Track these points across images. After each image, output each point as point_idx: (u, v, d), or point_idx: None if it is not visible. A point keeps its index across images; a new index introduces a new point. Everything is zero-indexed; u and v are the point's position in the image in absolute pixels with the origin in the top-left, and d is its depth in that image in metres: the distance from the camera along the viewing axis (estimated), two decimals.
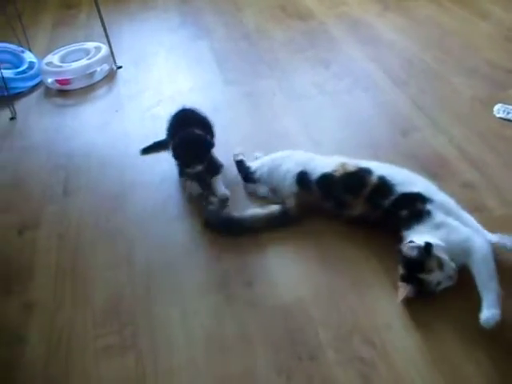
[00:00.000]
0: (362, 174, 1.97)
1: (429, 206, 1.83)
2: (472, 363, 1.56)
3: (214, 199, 2.17)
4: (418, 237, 1.76)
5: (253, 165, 2.28)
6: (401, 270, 1.74)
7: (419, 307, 1.72)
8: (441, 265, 1.67)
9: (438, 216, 1.81)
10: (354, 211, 1.97)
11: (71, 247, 2.14)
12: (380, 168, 1.98)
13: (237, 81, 3.07)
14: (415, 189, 1.89)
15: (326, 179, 2.03)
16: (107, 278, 1.98)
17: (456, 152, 2.34)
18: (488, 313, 1.59)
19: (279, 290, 1.85)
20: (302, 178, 2.08)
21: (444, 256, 1.68)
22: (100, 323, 1.82)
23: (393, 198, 1.89)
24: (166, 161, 2.47)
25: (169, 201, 2.27)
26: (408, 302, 1.73)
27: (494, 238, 1.81)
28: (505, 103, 2.57)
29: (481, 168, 2.23)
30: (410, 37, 3.34)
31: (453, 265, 1.68)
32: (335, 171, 2.02)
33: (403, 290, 1.71)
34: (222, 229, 2.08)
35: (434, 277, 1.68)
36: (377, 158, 2.17)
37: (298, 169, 2.10)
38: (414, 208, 1.84)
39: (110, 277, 1.98)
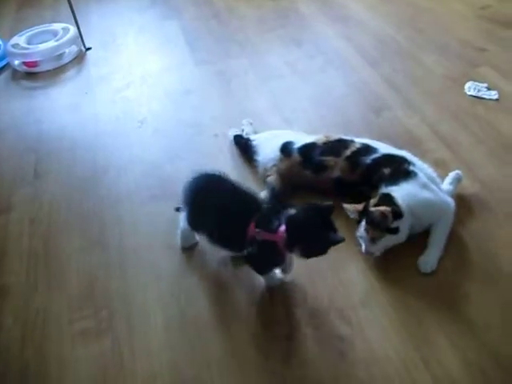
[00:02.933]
0: (345, 141, 2.04)
1: (413, 168, 1.89)
2: (446, 338, 1.58)
3: None
4: (400, 192, 1.80)
5: (251, 137, 2.29)
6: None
7: (394, 284, 1.75)
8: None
9: (423, 178, 1.86)
10: (332, 173, 1.98)
11: (43, 231, 2.11)
12: (363, 140, 2.05)
13: (208, 61, 3.04)
14: (399, 153, 1.96)
15: (308, 146, 2.07)
16: (81, 261, 1.96)
17: (428, 130, 2.35)
18: (430, 260, 1.77)
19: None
20: (286, 146, 2.11)
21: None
22: (75, 307, 1.80)
23: (376, 156, 1.94)
24: (138, 143, 2.45)
25: (142, 182, 2.25)
26: (383, 279, 1.75)
27: None
28: (475, 81, 2.59)
29: (453, 146, 2.25)
30: (382, 15, 3.34)
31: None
32: (318, 140, 2.07)
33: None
34: None
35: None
36: (349, 135, 2.17)
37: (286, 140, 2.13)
38: (399, 167, 1.89)
39: (83, 260, 1.96)
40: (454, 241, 1.86)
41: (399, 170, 1.89)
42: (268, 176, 2.11)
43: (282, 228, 1.59)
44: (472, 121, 2.38)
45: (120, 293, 1.82)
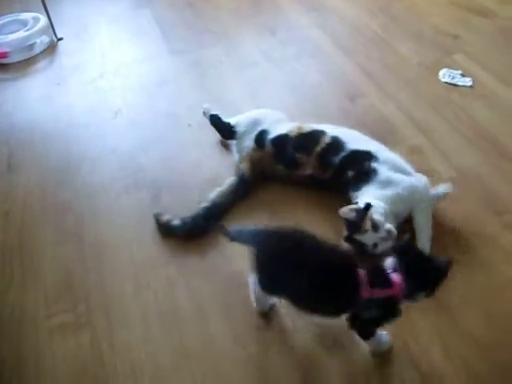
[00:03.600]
0: (316, 134, 2.01)
1: (375, 164, 1.87)
2: (429, 325, 1.59)
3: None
4: (365, 197, 1.79)
5: (231, 121, 2.24)
6: (344, 232, 1.76)
7: None
8: (375, 226, 1.69)
9: (384, 173, 1.85)
10: (305, 171, 1.98)
11: (18, 224, 2.08)
12: (334, 129, 2.02)
13: (182, 50, 3.01)
14: (365, 147, 1.94)
15: (281, 138, 2.05)
16: (57, 254, 1.94)
17: (403, 117, 2.36)
18: (422, 244, 1.77)
19: (232, 259, 1.84)
20: (261, 135, 2.09)
21: (379, 217, 1.70)
22: (52, 301, 1.78)
23: (343, 154, 1.92)
24: (112, 134, 2.43)
25: (117, 173, 2.23)
26: None
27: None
28: (450, 68, 2.60)
29: (428, 133, 2.26)
30: (356, 4, 3.33)
31: (388, 226, 1.69)
32: (291, 132, 2.04)
33: None
34: (202, 229, 1.95)
35: (369, 238, 1.70)
36: (324, 123, 2.17)
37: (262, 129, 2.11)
38: (361, 168, 1.88)
39: (59, 253, 1.94)
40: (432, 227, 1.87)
41: (361, 171, 1.87)
42: (241, 163, 2.10)
43: (396, 278, 1.39)
44: (447, 108, 2.40)
45: (97, 286, 1.81)
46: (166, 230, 1.94)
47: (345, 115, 2.40)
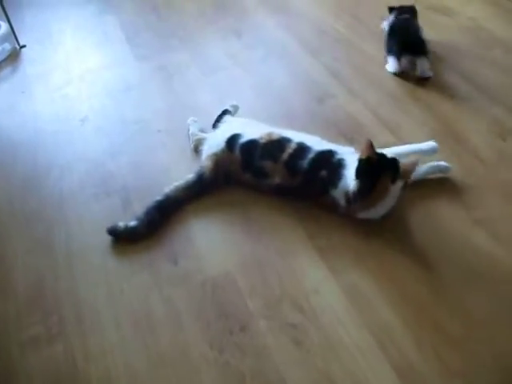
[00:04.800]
0: (282, 141, 2.00)
1: (338, 157, 1.92)
2: (399, 319, 1.61)
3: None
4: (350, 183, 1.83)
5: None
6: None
7: (344, 269, 1.77)
8: None
9: (349, 158, 1.89)
10: (273, 180, 1.98)
11: None
12: (298, 136, 2.02)
13: (148, 56, 2.99)
14: (327, 147, 1.97)
15: (250, 144, 2.03)
16: (27, 264, 1.90)
17: (371, 116, 2.39)
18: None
19: (206, 263, 1.84)
20: (233, 139, 2.07)
21: None
22: (23, 313, 1.74)
23: (311, 156, 1.93)
24: (80, 141, 2.40)
25: (85, 180, 2.20)
26: (333, 266, 1.78)
27: None
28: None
29: (395, 130, 2.29)
30: (321, 5, 3.36)
31: None
32: (261, 138, 2.03)
33: None
34: (153, 221, 1.97)
35: None
36: (294, 125, 2.18)
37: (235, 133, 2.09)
38: (332, 164, 1.91)
39: (29, 262, 1.91)
40: (403, 223, 1.91)
41: (333, 166, 1.90)
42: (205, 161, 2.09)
43: None
44: (413, 105, 2.44)
45: (69, 295, 1.78)
46: (128, 235, 1.93)
47: (313, 116, 2.41)
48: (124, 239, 1.94)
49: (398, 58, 2.61)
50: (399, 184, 1.81)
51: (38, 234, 2.01)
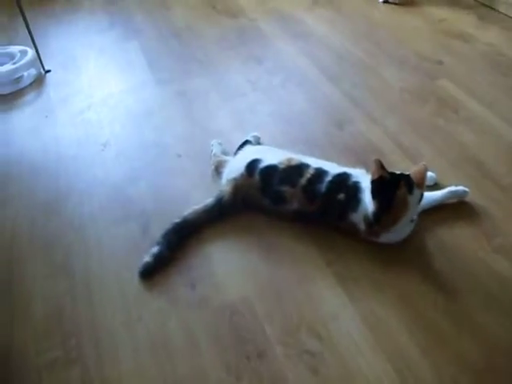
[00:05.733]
0: (301, 167, 2.01)
1: (353, 179, 1.93)
2: (417, 347, 1.60)
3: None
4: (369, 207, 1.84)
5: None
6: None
7: (362, 296, 1.76)
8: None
9: (364, 181, 1.90)
10: (291, 205, 1.98)
11: (6, 258, 2.06)
12: (317, 162, 2.04)
13: (169, 80, 3.02)
14: (343, 170, 1.98)
15: (269, 169, 2.04)
16: (46, 288, 1.92)
17: (390, 143, 2.38)
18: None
19: (223, 289, 1.84)
20: (252, 164, 2.08)
21: None
22: (41, 337, 1.76)
23: (328, 179, 1.94)
24: (100, 165, 2.43)
25: (106, 205, 2.22)
26: (351, 293, 1.77)
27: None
28: None
29: (415, 158, 2.28)
30: (340, 31, 3.38)
31: None
32: (280, 163, 2.04)
33: None
34: (172, 244, 1.99)
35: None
36: (313, 151, 2.20)
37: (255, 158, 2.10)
38: (348, 186, 1.92)
39: (48, 287, 1.92)
40: (421, 250, 1.90)
41: (349, 189, 1.92)
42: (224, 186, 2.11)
43: None
44: (433, 132, 2.43)
45: (87, 319, 1.79)
46: (158, 264, 1.93)
47: (332, 142, 2.42)
48: (151, 271, 1.93)
49: None
50: (417, 194, 1.82)
51: (57, 259, 2.03)
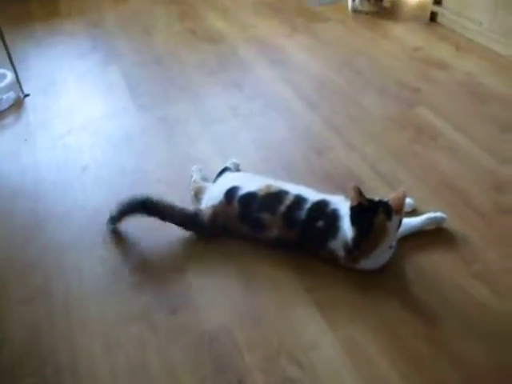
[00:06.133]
0: (281, 194, 2.02)
1: (332, 207, 1.95)
2: (397, 374, 1.60)
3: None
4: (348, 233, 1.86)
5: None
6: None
7: (342, 323, 1.77)
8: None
9: (343, 208, 1.92)
10: (270, 232, 1.99)
11: None
12: (296, 188, 2.05)
13: (150, 106, 3.03)
14: (321, 197, 2.00)
15: (249, 196, 2.05)
16: (23, 313, 1.89)
17: (369, 170, 2.41)
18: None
19: (203, 316, 1.83)
20: (231, 191, 2.08)
21: None
22: (18, 364, 1.73)
23: (307, 207, 1.95)
24: (80, 190, 2.42)
25: (85, 229, 2.21)
26: (331, 320, 1.77)
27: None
28: None
29: (393, 184, 2.30)
30: (320, 58, 3.43)
31: None
32: (260, 190, 2.05)
33: None
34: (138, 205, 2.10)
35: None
36: (292, 178, 2.21)
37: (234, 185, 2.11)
38: (327, 214, 1.94)
39: (26, 312, 1.90)
40: (400, 276, 1.91)
41: (328, 217, 1.93)
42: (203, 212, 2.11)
43: None
44: (411, 159, 2.46)
45: (65, 344, 1.77)
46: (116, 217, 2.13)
47: (312, 169, 2.44)
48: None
49: None
50: (396, 220, 1.84)
51: (35, 283, 2.00)
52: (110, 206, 2.20)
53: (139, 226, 2.17)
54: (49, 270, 2.05)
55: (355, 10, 4.04)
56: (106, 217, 2.21)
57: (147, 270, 2.02)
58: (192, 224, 2.10)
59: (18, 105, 3.16)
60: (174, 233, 2.12)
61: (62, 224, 2.26)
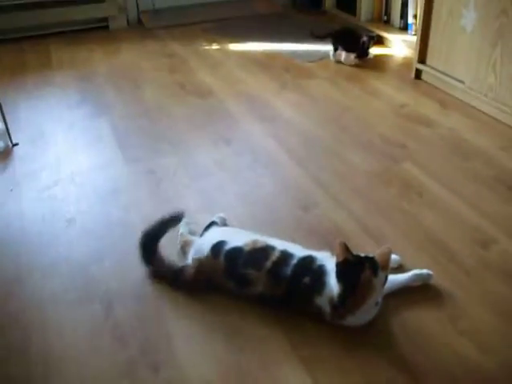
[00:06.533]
0: (267, 250, 2.02)
1: (320, 262, 1.94)
2: None
3: None
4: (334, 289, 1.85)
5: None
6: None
7: (328, 382, 1.74)
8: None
9: (329, 265, 1.91)
10: (256, 288, 1.98)
11: None
12: (282, 244, 2.05)
13: (138, 159, 3.04)
14: (307, 253, 2.00)
15: (235, 251, 2.04)
16: (0, 372, 1.84)
17: (355, 225, 2.41)
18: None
19: (186, 373, 1.79)
20: (217, 246, 2.07)
21: None
22: None
23: (294, 263, 1.95)
24: (65, 242, 2.40)
25: (68, 284, 2.18)
26: (317, 378, 1.74)
27: None
28: None
29: (379, 240, 2.30)
30: (308, 114, 3.48)
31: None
32: (246, 245, 2.04)
33: None
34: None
35: None
36: (279, 233, 2.21)
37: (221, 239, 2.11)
38: (314, 270, 1.93)
39: (3, 371, 1.84)
40: (387, 333, 1.90)
41: (315, 273, 1.92)
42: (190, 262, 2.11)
43: None
44: (397, 215, 2.47)
45: None
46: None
47: (298, 224, 2.44)
48: None
49: None
50: (382, 276, 1.84)
51: (14, 341, 1.95)
52: (95, 260, 2.19)
53: (123, 282, 2.16)
54: (28, 327, 2.00)
55: (337, 61, 4.26)
56: (90, 271, 2.20)
57: (130, 323, 1.99)
58: (176, 280, 2.09)
59: (5, 154, 3.16)
60: (158, 286, 2.11)
61: (45, 278, 2.22)
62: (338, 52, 4.21)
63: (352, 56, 4.16)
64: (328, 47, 4.29)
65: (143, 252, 2.16)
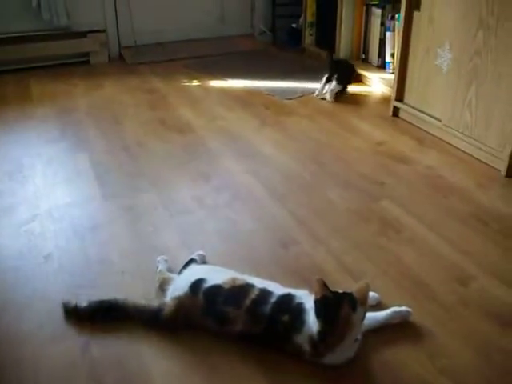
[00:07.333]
0: (246, 288, 2.02)
1: (299, 300, 1.95)
2: None
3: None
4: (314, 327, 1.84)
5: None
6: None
7: None
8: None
9: (307, 302, 1.92)
10: (235, 326, 1.96)
11: None
12: (262, 282, 2.06)
13: (116, 195, 3.03)
14: (287, 291, 2.01)
15: (214, 289, 2.03)
16: None
17: (334, 262, 2.42)
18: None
19: None
20: (196, 283, 2.07)
21: None
22: None
23: (273, 300, 1.95)
24: (41, 279, 2.37)
25: (44, 321, 2.14)
26: None
27: None
28: None
29: (358, 277, 2.30)
30: (287, 151, 3.50)
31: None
32: (225, 283, 2.04)
33: None
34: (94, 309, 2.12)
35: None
36: (258, 271, 2.21)
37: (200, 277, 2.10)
38: (292, 308, 1.93)
39: None
40: (366, 371, 1.89)
41: (294, 311, 1.93)
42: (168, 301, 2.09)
43: None
44: (376, 252, 2.48)
45: None
46: (75, 313, 2.11)
47: (277, 262, 2.44)
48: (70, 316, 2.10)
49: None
50: (361, 311, 1.84)
51: None
52: (72, 297, 2.16)
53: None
54: (1, 365, 1.96)
55: (317, 95, 4.37)
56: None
57: (108, 362, 1.95)
58: (156, 320, 2.06)
59: None
60: (136, 324, 2.08)
61: (20, 315, 2.19)
62: (330, 82, 4.30)
63: (338, 88, 4.31)
64: (307, 85, 4.36)
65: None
